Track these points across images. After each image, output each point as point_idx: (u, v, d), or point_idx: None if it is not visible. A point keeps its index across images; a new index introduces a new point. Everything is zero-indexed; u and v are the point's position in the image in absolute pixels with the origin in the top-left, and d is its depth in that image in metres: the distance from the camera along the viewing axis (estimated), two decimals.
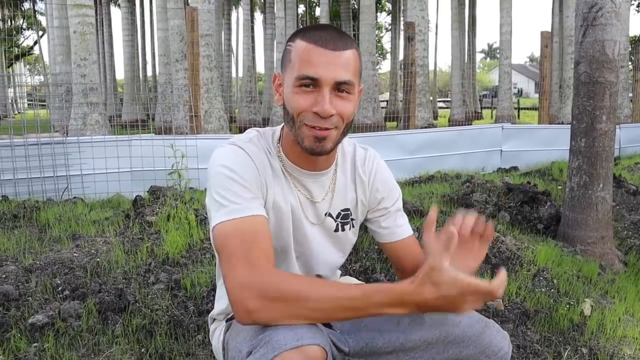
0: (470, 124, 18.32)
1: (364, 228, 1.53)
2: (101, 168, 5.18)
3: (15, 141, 5.07)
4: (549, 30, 13.56)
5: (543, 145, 7.90)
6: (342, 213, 1.42)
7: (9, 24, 33.71)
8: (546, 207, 4.06)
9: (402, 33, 17.71)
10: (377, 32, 30.30)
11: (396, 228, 1.46)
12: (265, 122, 18.34)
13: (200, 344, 2.19)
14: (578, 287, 2.98)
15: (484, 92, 41.53)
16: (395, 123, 15.05)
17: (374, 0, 15.54)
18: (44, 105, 10.40)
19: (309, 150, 1.25)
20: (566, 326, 2.54)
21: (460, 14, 21.83)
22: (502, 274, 1.06)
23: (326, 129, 1.22)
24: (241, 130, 14.76)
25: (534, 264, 3.18)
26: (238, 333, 1.23)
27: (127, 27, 20.93)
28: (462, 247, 1.25)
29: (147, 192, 4.06)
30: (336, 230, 1.42)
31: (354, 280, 1.64)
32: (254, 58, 21.74)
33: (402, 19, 24.53)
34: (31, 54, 40.37)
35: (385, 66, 47.98)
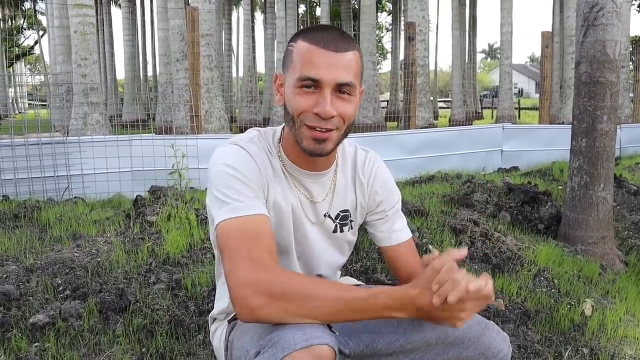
0: (471, 124, 18.31)
1: (363, 229, 1.53)
2: (102, 168, 5.18)
3: (16, 141, 5.07)
4: (550, 30, 13.55)
5: (544, 145, 7.89)
6: (342, 214, 1.42)
7: (10, 24, 33.73)
8: (547, 207, 4.06)
9: (402, 33, 17.69)
10: (377, 32, 30.30)
11: (393, 233, 1.46)
12: (266, 123, 18.35)
13: (201, 344, 2.19)
14: (579, 288, 2.98)
15: (485, 93, 41.54)
16: (396, 123, 15.06)
17: (375, 1, 15.55)
18: (45, 105, 10.42)
19: (309, 152, 1.25)
20: (567, 326, 2.54)
21: (461, 14, 21.83)
22: (484, 278, 1.08)
23: (327, 130, 1.22)
24: (242, 130, 14.75)
25: (535, 264, 3.18)
26: (244, 333, 1.23)
27: (128, 27, 20.94)
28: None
29: (148, 192, 4.06)
30: (335, 231, 1.42)
31: (354, 281, 1.64)
32: (254, 58, 21.74)
33: (402, 19, 24.53)
34: (32, 54, 40.41)
35: (386, 66, 48.04)
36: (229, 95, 20.98)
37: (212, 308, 1.52)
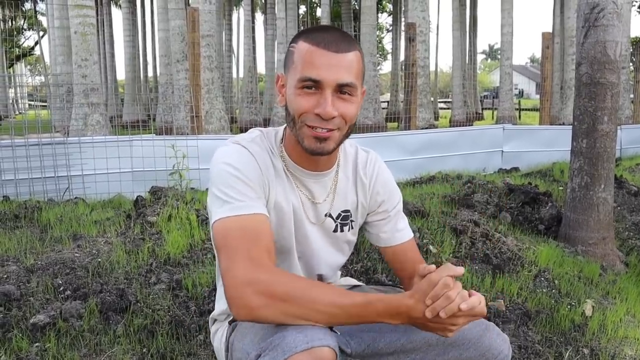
0: (471, 125, 18.31)
1: (364, 229, 1.54)
2: (102, 168, 5.18)
3: (17, 141, 5.07)
4: (550, 31, 13.55)
5: (544, 146, 7.90)
6: (342, 214, 1.43)
7: (10, 24, 33.74)
8: (547, 207, 4.06)
9: (403, 34, 17.72)
10: (378, 32, 30.31)
11: (396, 232, 1.46)
12: (266, 123, 18.35)
13: (202, 344, 2.19)
14: (579, 288, 2.98)
15: (485, 93, 41.55)
16: (396, 124, 15.05)
17: (375, 1, 15.54)
18: (45, 106, 10.42)
19: (309, 150, 1.25)
20: (567, 327, 2.54)
21: (462, 14, 21.83)
22: (477, 296, 1.10)
23: (328, 130, 1.22)
24: (242, 130, 14.73)
25: (535, 265, 3.18)
26: (244, 335, 1.23)
27: (128, 27, 20.95)
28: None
29: (148, 192, 4.07)
30: (335, 230, 1.43)
31: (354, 281, 1.64)
32: (254, 59, 21.73)
33: (403, 19, 24.54)
34: (32, 54, 40.42)
35: (386, 67, 48.07)
36: (229, 95, 21.00)
37: (213, 308, 1.52)
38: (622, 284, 3.18)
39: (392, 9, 31.64)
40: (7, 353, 2.02)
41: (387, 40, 43.68)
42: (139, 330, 2.24)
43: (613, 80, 3.57)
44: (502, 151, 7.74)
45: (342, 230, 1.44)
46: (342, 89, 1.21)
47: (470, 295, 1.09)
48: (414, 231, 3.14)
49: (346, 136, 1.28)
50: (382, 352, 1.32)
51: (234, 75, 29.39)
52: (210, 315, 1.51)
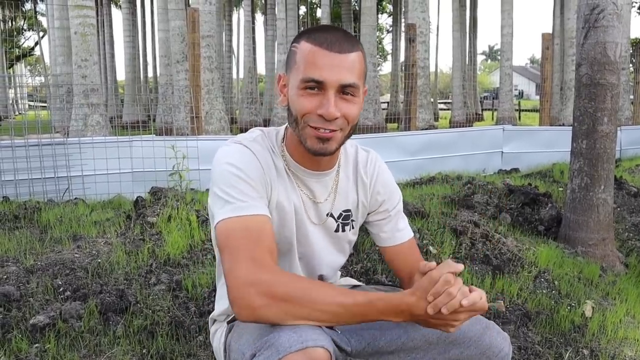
0: (471, 126, 18.31)
1: (364, 230, 1.54)
2: (102, 169, 5.18)
3: (16, 142, 5.07)
4: (550, 32, 13.56)
5: (544, 147, 7.90)
6: (344, 214, 1.43)
7: (10, 24, 33.75)
8: (547, 208, 4.06)
9: (403, 34, 17.72)
10: (378, 33, 30.32)
11: (397, 232, 1.47)
12: (266, 123, 18.35)
13: (202, 345, 2.19)
14: (579, 289, 2.98)
15: (485, 94, 41.53)
16: (396, 124, 15.05)
17: (375, 2, 15.56)
18: (45, 106, 10.42)
19: (312, 151, 1.25)
20: (567, 327, 2.54)
21: (462, 15, 21.83)
22: (478, 292, 1.11)
23: (331, 130, 1.22)
24: (242, 131, 14.65)
25: (535, 266, 3.18)
26: (241, 335, 1.23)
27: (128, 28, 20.95)
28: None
29: (148, 193, 4.06)
30: (336, 230, 1.43)
31: (354, 282, 1.64)
32: (254, 59, 21.74)
33: (403, 20, 24.54)
34: (32, 54, 40.43)
35: (386, 67, 48.09)
36: (229, 96, 21.00)
37: (213, 309, 1.52)
38: (621, 285, 3.18)
39: (392, 10, 31.65)
40: (6, 354, 2.02)
41: (387, 41, 43.73)
42: (138, 331, 2.24)
43: (613, 81, 3.58)
44: (502, 152, 7.74)
45: (343, 230, 1.44)
46: (344, 90, 1.21)
47: (470, 291, 1.10)
48: (413, 232, 3.14)
49: (348, 136, 1.29)
50: (382, 351, 1.32)
51: (234, 75, 29.38)
52: (210, 316, 1.51)
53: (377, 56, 20.60)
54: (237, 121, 18.09)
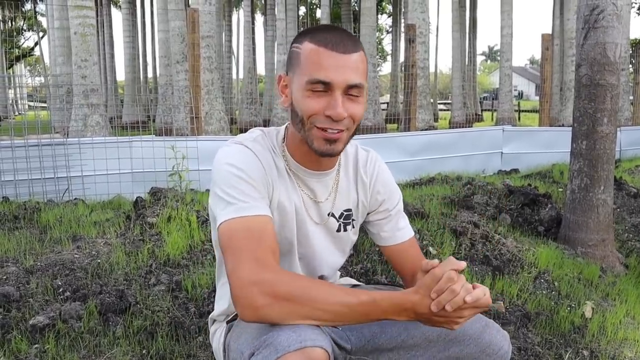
0: (471, 126, 18.32)
1: (363, 230, 1.54)
2: (102, 169, 5.18)
3: (16, 142, 5.07)
4: (550, 32, 13.57)
5: (544, 147, 7.90)
6: (345, 213, 1.43)
7: (10, 25, 33.75)
8: (547, 209, 4.06)
9: (402, 35, 17.71)
10: (377, 34, 30.32)
11: (397, 231, 1.47)
12: (265, 124, 18.35)
13: (202, 346, 2.19)
14: (579, 290, 2.98)
15: (485, 95, 41.54)
16: (395, 125, 15.05)
17: (375, 3, 15.56)
18: (45, 107, 10.41)
19: (319, 152, 1.25)
20: (567, 328, 2.54)
21: (461, 16, 21.84)
22: (481, 288, 1.12)
23: (338, 131, 1.22)
24: (242, 131, 14.68)
25: (535, 266, 3.18)
26: (240, 335, 1.23)
27: (127, 28, 20.95)
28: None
29: (148, 193, 4.06)
30: (338, 230, 1.43)
31: (353, 282, 1.64)
32: (254, 60, 21.74)
33: (402, 21, 24.54)
34: (32, 55, 40.42)
35: (386, 68, 48.12)
36: (229, 96, 21.01)
37: (212, 309, 1.52)
38: (621, 286, 3.18)
39: (391, 11, 31.67)
40: (6, 354, 2.02)
41: (386, 42, 43.75)
42: (138, 331, 2.24)
43: (613, 82, 3.58)
44: (502, 152, 7.74)
45: (345, 230, 1.44)
46: (350, 90, 1.22)
47: (474, 288, 1.10)
48: (413, 232, 3.14)
49: (352, 136, 1.29)
50: (382, 348, 1.33)
51: (234, 76, 29.39)
52: (210, 316, 1.51)
53: (377, 57, 20.61)
54: (237, 121, 18.09)
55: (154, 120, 15.40)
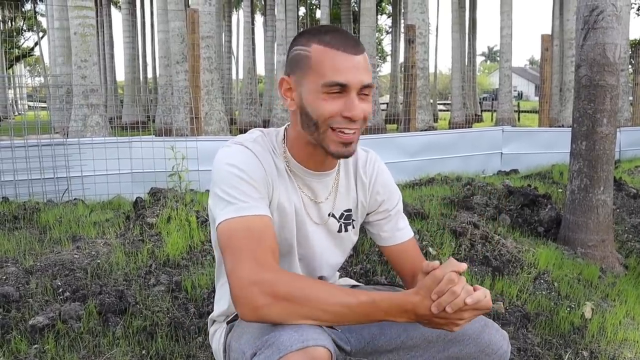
0: (471, 127, 18.33)
1: (363, 231, 1.54)
2: (101, 169, 5.18)
3: (16, 142, 5.07)
4: (550, 33, 13.57)
5: (543, 148, 7.90)
6: (345, 214, 1.43)
7: (10, 25, 33.75)
8: (547, 210, 4.06)
9: (402, 36, 17.72)
10: (377, 34, 30.32)
11: (397, 231, 1.47)
12: (265, 124, 18.35)
13: (201, 346, 2.19)
14: (579, 290, 2.98)
15: (484, 95, 41.55)
16: (395, 125, 15.06)
17: (375, 3, 15.56)
18: (45, 107, 10.42)
19: (337, 155, 1.26)
20: (567, 329, 2.54)
21: (461, 16, 21.85)
22: (482, 290, 1.12)
23: (354, 131, 1.24)
24: (242, 132, 14.67)
25: (535, 267, 3.18)
26: (241, 335, 1.23)
27: (127, 28, 20.95)
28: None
29: (148, 193, 4.06)
30: (339, 230, 1.43)
31: (352, 282, 1.64)
32: (254, 60, 21.74)
33: (402, 21, 24.56)
34: (31, 55, 40.42)
35: (386, 69, 48.08)
36: (229, 97, 21.01)
37: (212, 310, 1.52)
38: (621, 287, 3.18)
39: (391, 11, 31.68)
40: (5, 355, 2.02)
41: (386, 42, 43.75)
42: (138, 332, 2.24)
43: (612, 83, 3.58)
44: (502, 153, 7.75)
45: (346, 230, 1.44)
46: (363, 90, 1.23)
47: (475, 290, 1.10)
48: (413, 233, 3.14)
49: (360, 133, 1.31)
50: (382, 349, 1.33)
51: (234, 76, 29.40)
52: (209, 317, 1.51)
53: (377, 57, 20.62)
54: (237, 122, 18.09)
55: (153, 121, 15.39)
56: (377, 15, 24.19)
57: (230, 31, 25.10)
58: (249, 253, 1.13)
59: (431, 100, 17.61)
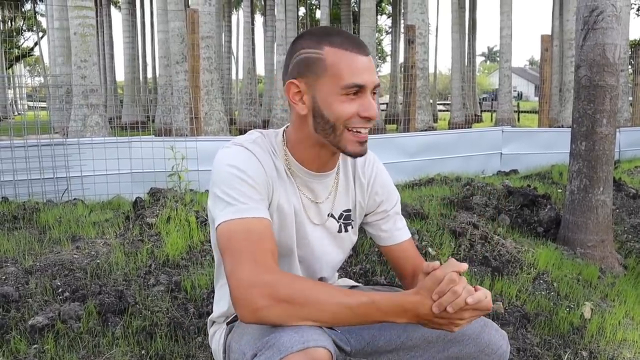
0: (470, 127, 18.33)
1: (362, 231, 1.54)
2: (101, 169, 5.18)
3: (15, 142, 5.07)
4: (549, 33, 13.57)
5: (543, 148, 7.90)
6: (344, 214, 1.43)
7: (10, 25, 33.75)
8: (546, 210, 4.06)
9: (402, 36, 17.73)
10: (377, 35, 30.33)
11: (396, 231, 1.47)
12: (265, 124, 18.36)
13: (201, 346, 2.19)
14: (578, 291, 2.98)
15: (484, 95, 41.55)
16: (395, 126, 15.06)
17: (375, 3, 15.57)
18: (44, 107, 10.42)
19: (354, 154, 1.28)
20: (566, 329, 2.54)
21: (461, 17, 21.86)
22: (483, 291, 1.13)
23: (368, 130, 1.28)
24: (241, 132, 14.76)
25: (534, 267, 3.18)
26: (241, 336, 1.23)
27: (127, 28, 20.95)
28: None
29: (147, 193, 4.06)
30: (339, 231, 1.43)
31: (351, 282, 1.64)
32: (254, 60, 21.74)
33: (402, 22, 24.57)
34: (31, 55, 40.42)
35: (385, 69, 48.07)
36: (229, 97, 21.01)
37: (212, 310, 1.52)
38: (620, 287, 3.18)
39: (391, 11, 31.69)
40: (5, 355, 2.02)
41: (386, 43, 43.75)
42: (137, 332, 2.24)
43: (612, 83, 3.58)
44: (501, 153, 7.75)
45: (346, 230, 1.44)
46: (374, 90, 1.26)
47: (475, 290, 1.11)
48: (412, 233, 3.14)
49: None
50: (381, 350, 1.34)
51: (233, 76, 29.40)
52: (209, 318, 1.51)
53: (377, 57, 20.60)
54: (236, 122, 18.09)
55: (153, 121, 15.40)
56: (377, 15, 24.21)
57: (230, 31, 25.10)
58: (249, 255, 1.14)
59: (431, 101, 17.61)
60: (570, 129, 3.88)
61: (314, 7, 34.92)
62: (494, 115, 20.81)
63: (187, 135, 6.14)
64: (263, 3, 27.16)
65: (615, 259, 3.65)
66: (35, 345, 2.09)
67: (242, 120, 17.97)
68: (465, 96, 21.81)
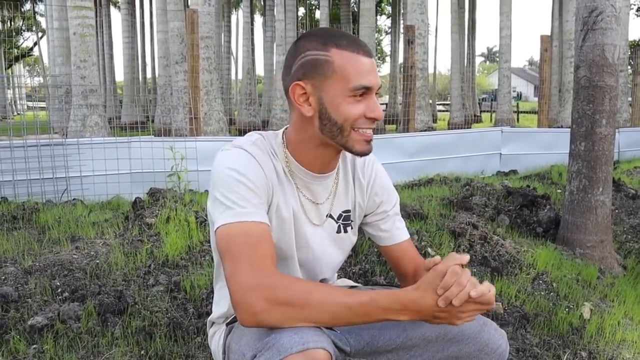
0: (470, 128, 18.35)
1: (362, 231, 1.54)
2: (100, 170, 5.17)
3: (15, 142, 5.07)
4: (549, 34, 13.60)
5: (542, 148, 7.91)
6: (343, 214, 1.43)
7: (9, 25, 33.74)
8: (545, 210, 4.06)
9: (401, 36, 17.71)
10: (376, 35, 30.34)
11: (395, 230, 1.48)
12: (264, 124, 18.36)
13: (200, 346, 2.19)
14: (577, 291, 2.98)
15: (484, 96, 41.59)
16: (394, 126, 15.07)
17: (374, 4, 15.57)
18: (44, 107, 10.41)
19: (362, 153, 1.30)
20: (565, 330, 2.54)
21: (460, 17, 21.87)
22: (487, 284, 1.14)
23: (373, 130, 1.30)
24: (241, 132, 14.77)
25: (534, 268, 3.18)
26: (241, 337, 1.23)
27: (127, 29, 20.96)
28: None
29: (147, 194, 4.06)
30: (339, 231, 1.43)
31: (351, 283, 1.65)
32: (253, 60, 21.75)
33: (401, 22, 24.57)
34: (31, 55, 40.40)
35: (385, 69, 48.07)
36: (228, 97, 21.00)
37: (211, 311, 1.52)
38: (620, 287, 3.19)
39: (390, 12, 31.69)
40: (4, 355, 2.02)
41: (385, 43, 43.74)
42: (137, 332, 2.24)
43: (611, 84, 3.58)
44: (501, 154, 7.75)
45: (345, 231, 1.44)
46: (378, 91, 1.28)
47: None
48: (412, 234, 3.14)
49: None
50: (381, 350, 1.34)
51: (233, 77, 29.40)
52: (208, 318, 1.51)
53: (376, 58, 20.61)
54: (236, 122, 18.09)
55: (152, 121, 15.39)
56: (376, 15, 24.21)
57: (229, 31, 25.10)
58: (247, 258, 1.14)
59: (430, 101, 17.61)
60: (569, 129, 3.88)
61: (314, 7, 34.94)
62: (494, 115, 20.83)
63: (186, 136, 6.14)
64: (262, 3, 27.16)
65: (615, 259, 3.65)
66: (34, 346, 2.09)
67: (242, 121, 17.96)
68: (464, 96, 21.83)
